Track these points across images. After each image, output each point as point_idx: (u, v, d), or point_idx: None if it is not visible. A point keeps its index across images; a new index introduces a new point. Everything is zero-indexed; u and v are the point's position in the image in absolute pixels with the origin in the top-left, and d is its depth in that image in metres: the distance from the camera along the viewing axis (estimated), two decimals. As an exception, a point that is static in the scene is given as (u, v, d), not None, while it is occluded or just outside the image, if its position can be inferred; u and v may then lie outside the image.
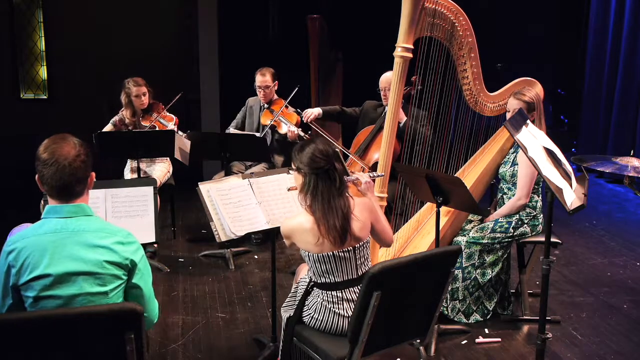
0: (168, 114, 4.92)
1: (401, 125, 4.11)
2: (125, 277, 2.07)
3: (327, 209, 2.49)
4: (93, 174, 2.11)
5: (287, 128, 4.81)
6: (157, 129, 4.82)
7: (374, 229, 2.70)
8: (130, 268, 2.07)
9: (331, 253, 2.53)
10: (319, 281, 2.62)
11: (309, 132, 4.75)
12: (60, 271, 1.95)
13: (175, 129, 4.78)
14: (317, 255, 2.54)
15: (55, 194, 2.03)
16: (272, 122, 4.87)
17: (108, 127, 4.89)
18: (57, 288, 1.95)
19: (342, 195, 2.54)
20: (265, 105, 5.03)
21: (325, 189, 2.51)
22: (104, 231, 2.04)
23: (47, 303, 1.96)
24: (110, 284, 2.02)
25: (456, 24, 3.63)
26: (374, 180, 3.06)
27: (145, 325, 2.14)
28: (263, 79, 4.94)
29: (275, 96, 5.06)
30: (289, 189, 2.96)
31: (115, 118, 4.94)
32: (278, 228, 3.12)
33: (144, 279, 2.13)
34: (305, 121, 4.64)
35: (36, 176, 2.03)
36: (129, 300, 2.12)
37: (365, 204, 2.66)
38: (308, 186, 2.53)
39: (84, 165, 2.04)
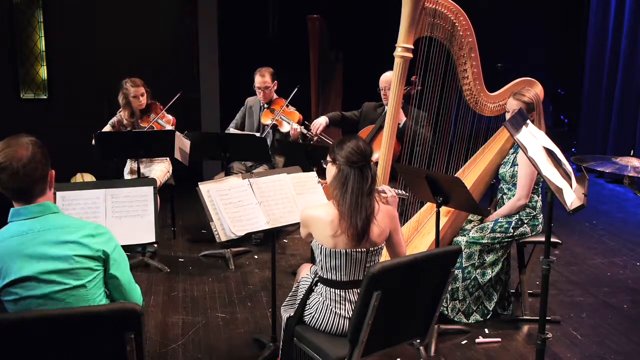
0: (167, 114, 4.91)
1: (400, 126, 4.11)
2: (100, 268, 2.06)
3: (354, 205, 2.51)
4: (52, 171, 2.08)
5: (290, 126, 4.82)
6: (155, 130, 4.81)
7: (391, 239, 2.70)
8: (104, 259, 2.06)
9: (344, 250, 2.54)
10: (325, 276, 2.62)
11: (310, 129, 4.77)
12: (32, 272, 1.94)
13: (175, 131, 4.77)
14: (330, 250, 2.55)
15: (16, 197, 2.02)
16: (273, 121, 4.88)
17: (106, 129, 4.88)
18: (33, 289, 1.95)
19: (370, 196, 2.56)
20: (265, 105, 5.03)
21: (356, 185, 2.53)
22: (71, 227, 2.03)
23: (29, 304, 1.96)
24: (86, 277, 2.02)
25: (456, 24, 3.63)
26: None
27: None
28: (262, 79, 4.94)
29: (275, 96, 5.07)
30: (318, 181, 2.97)
31: (114, 119, 4.93)
32: (278, 228, 3.14)
33: (120, 268, 2.12)
34: (315, 132, 4.63)
35: None
36: (110, 291, 2.13)
37: (389, 212, 2.67)
38: (340, 178, 2.55)
39: (39, 166, 2.00)
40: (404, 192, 3.10)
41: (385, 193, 2.86)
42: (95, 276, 2.05)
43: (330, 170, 2.64)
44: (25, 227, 1.99)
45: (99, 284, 2.07)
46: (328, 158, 2.67)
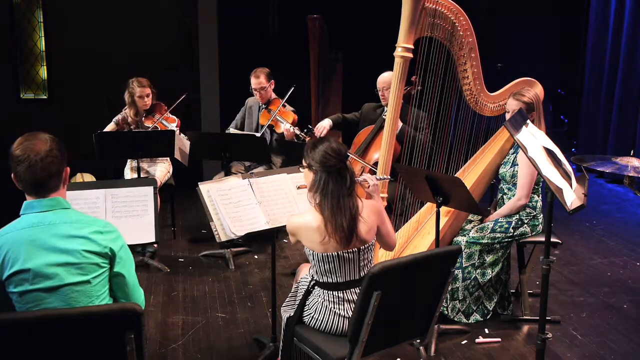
0: (171, 115, 4.92)
1: (397, 133, 4.09)
2: (106, 266, 2.09)
3: (336, 208, 2.49)
4: (67, 168, 2.13)
5: (284, 127, 4.81)
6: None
7: (379, 232, 2.70)
8: (110, 256, 2.09)
9: (335, 253, 2.53)
10: (321, 280, 2.62)
11: (305, 130, 4.75)
12: (39, 264, 1.97)
13: (177, 131, 4.77)
14: (321, 255, 2.54)
15: (31, 189, 2.06)
16: (269, 122, 4.88)
17: (110, 126, 4.90)
18: (38, 282, 1.97)
19: (351, 196, 2.54)
20: (263, 106, 5.03)
21: (336, 187, 2.51)
22: (81, 222, 2.07)
23: (35, 297, 1.97)
24: (92, 272, 2.04)
25: (456, 24, 3.63)
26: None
27: None
28: (257, 80, 4.93)
29: (273, 95, 5.06)
30: (298, 187, 2.95)
31: (119, 116, 4.94)
32: (278, 228, 3.14)
33: (126, 267, 2.15)
34: (318, 136, 4.61)
35: (12, 175, 2.05)
36: (114, 290, 2.15)
37: (374, 207, 2.66)
38: (318, 184, 2.53)
39: (56, 160, 2.05)
40: (384, 176, 3.08)
41: (367, 182, 2.84)
42: (101, 273, 2.07)
43: (308, 175, 2.61)
44: (36, 220, 2.03)
45: (103, 281, 2.09)
46: (303, 163, 2.63)
